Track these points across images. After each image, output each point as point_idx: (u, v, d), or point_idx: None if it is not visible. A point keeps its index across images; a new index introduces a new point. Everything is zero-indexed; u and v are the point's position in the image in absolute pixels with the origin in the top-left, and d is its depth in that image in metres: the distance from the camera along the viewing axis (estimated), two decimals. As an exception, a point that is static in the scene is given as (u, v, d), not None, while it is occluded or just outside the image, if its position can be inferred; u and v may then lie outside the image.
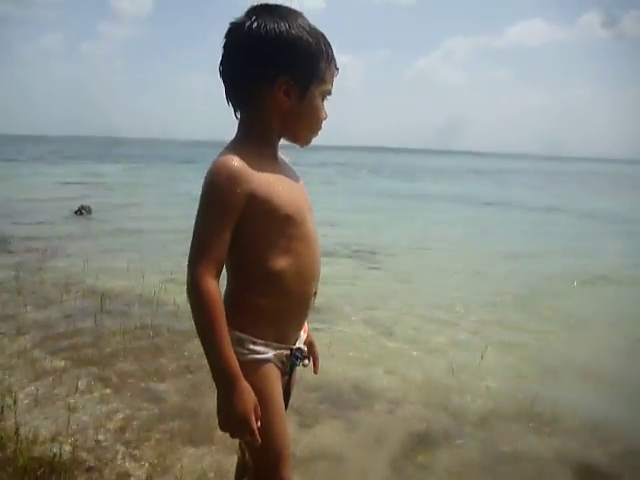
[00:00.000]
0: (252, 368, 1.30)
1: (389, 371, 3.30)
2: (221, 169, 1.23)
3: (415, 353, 3.62)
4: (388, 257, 6.94)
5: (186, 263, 1.21)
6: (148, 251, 6.62)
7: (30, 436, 2.26)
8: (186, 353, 3.40)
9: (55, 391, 2.75)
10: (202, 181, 1.24)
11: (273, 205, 1.26)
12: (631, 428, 2.75)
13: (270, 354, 1.33)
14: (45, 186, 14.65)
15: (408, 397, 2.96)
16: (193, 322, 1.20)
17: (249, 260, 1.30)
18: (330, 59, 1.35)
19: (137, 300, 4.44)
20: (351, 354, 3.54)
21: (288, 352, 1.38)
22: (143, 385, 2.93)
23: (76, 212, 9.61)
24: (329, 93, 1.38)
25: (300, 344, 1.43)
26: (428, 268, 6.52)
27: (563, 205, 14.48)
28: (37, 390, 2.73)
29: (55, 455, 2.10)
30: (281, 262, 1.30)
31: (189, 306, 1.19)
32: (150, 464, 2.19)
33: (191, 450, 2.29)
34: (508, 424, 2.72)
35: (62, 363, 3.11)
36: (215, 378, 1.23)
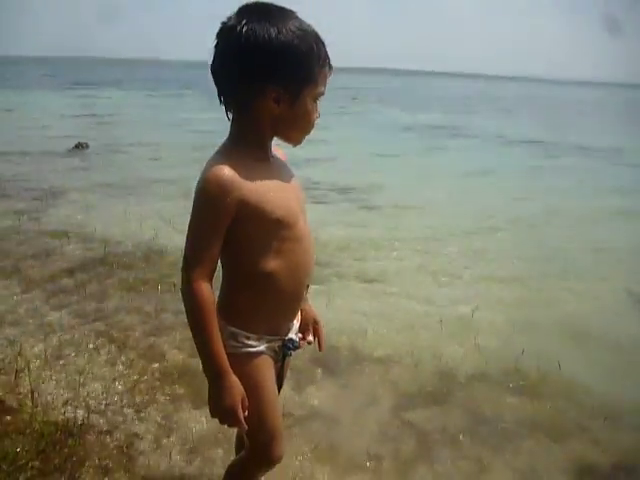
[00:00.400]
0: (246, 359, 1.43)
1: (382, 328, 3.44)
2: (212, 178, 1.29)
3: (409, 308, 3.76)
4: (384, 199, 6.96)
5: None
6: (145, 193, 6.69)
7: (44, 400, 2.42)
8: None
9: (65, 351, 2.89)
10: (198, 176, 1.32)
11: (264, 210, 1.33)
12: (614, 391, 2.87)
13: (262, 347, 1.46)
14: (40, 117, 14.41)
15: (399, 357, 3.11)
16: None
17: (243, 261, 1.39)
18: (322, 61, 1.36)
19: (137, 250, 4.55)
20: (346, 310, 3.66)
21: (280, 343, 1.50)
22: (147, 343, 3.07)
23: (73, 149, 9.55)
24: (322, 94, 1.40)
25: (292, 334, 1.55)
26: (427, 213, 6.55)
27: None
28: (47, 351, 2.88)
29: (69, 420, 2.27)
30: (273, 263, 1.39)
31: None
32: (158, 425, 2.36)
33: (195, 411, 2.45)
34: (492, 385, 2.88)
35: (69, 320, 3.25)
36: (205, 371, 1.35)
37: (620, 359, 3.26)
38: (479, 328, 3.47)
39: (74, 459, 1.99)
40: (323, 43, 1.36)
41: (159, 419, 2.40)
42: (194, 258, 1.31)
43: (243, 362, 1.42)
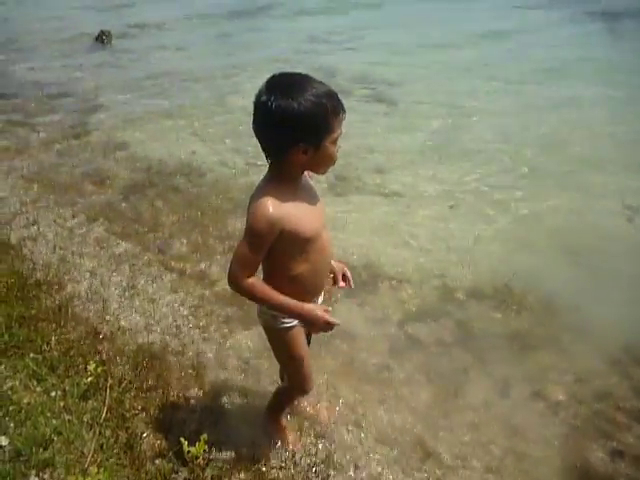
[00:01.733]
0: (285, 332, 2.05)
1: (396, 248, 4.00)
2: (260, 215, 1.79)
3: (421, 228, 4.25)
4: (410, 101, 7.03)
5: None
6: (176, 95, 7.01)
7: (128, 326, 3.13)
8: (229, 229, 4.15)
9: (136, 280, 3.56)
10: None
11: (298, 233, 1.86)
12: (593, 308, 3.30)
13: (295, 322, 2.04)
14: (53, 6, 13.74)
15: (408, 276, 3.71)
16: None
17: (279, 267, 1.95)
18: (337, 113, 1.79)
19: (179, 172, 5.05)
20: (364, 229, 4.21)
21: None
22: (200, 269, 3.72)
23: (97, 39, 9.63)
24: (339, 135, 1.85)
25: None
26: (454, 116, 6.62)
27: None
28: (121, 279, 3.56)
29: (151, 343, 2.99)
30: (302, 267, 1.95)
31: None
32: (217, 344, 3.06)
33: (246, 332, 3.14)
34: (484, 302, 3.47)
35: (132, 250, 3.89)
36: (292, 316, 1.96)
37: (604, 277, 3.65)
38: (481, 250, 3.98)
39: (162, 379, 2.72)
40: (335, 96, 1.77)
41: (218, 338, 3.10)
42: (241, 271, 1.84)
43: (283, 334, 2.04)
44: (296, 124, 1.70)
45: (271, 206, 1.77)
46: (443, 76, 7.93)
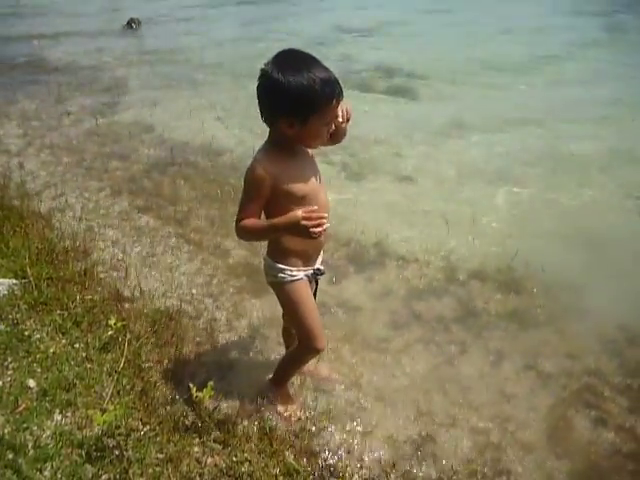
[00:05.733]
0: (292, 285, 2.24)
1: (405, 228, 4.14)
2: (253, 170, 2.04)
3: (430, 208, 4.42)
4: (427, 89, 7.20)
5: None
6: (201, 80, 7.24)
7: (148, 291, 3.35)
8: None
9: (155, 250, 3.79)
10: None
11: (292, 191, 2.07)
12: (591, 290, 3.42)
13: (301, 274, 2.24)
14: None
15: (415, 255, 3.85)
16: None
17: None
18: (330, 98, 1.97)
19: (200, 151, 5.28)
20: (375, 209, 4.37)
21: (312, 271, 2.29)
22: (215, 242, 3.93)
23: (126, 25, 9.91)
24: (331, 120, 2.03)
25: (318, 264, 2.33)
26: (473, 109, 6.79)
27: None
28: (142, 249, 3.79)
29: (168, 307, 3.19)
30: None
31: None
32: (228, 312, 3.26)
33: (255, 300, 3.33)
34: (486, 281, 3.60)
35: (153, 223, 4.12)
36: (282, 230, 2.03)
37: (606, 261, 3.76)
38: (487, 231, 4.13)
39: (176, 336, 2.92)
40: (331, 83, 1.95)
41: (230, 307, 3.30)
42: (240, 218, 2.07)
43: (290, 287, 2.23)
44: (284, 97, 1.91)
45: (263, 163, 2.02)
46: (468, 71, 8.00)
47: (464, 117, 6.29)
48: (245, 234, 2.12)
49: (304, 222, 1.94)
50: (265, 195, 2.05)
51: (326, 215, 1.98)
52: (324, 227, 1.95)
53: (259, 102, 2.02)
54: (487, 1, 12.29)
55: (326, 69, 1.95)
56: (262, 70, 1.96)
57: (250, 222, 2.06)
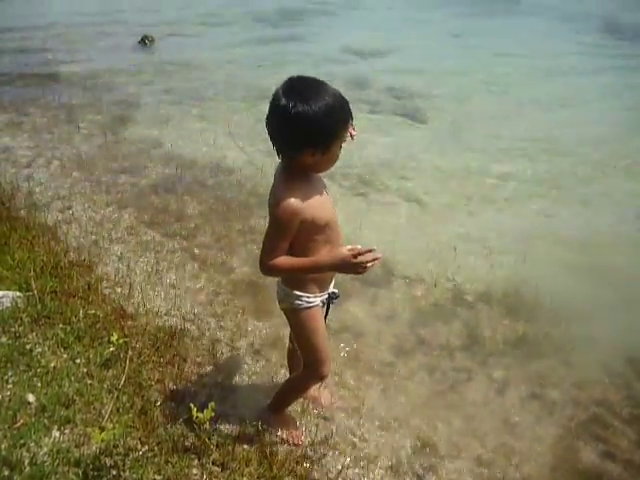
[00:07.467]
0: (307, 312, 2.21)
1: (411, 249, 4.11)
2: (284, 208, 1.96)
3: (437, 230, 4.40)
4: (434, 111, 7.21)
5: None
6: (212, 98, 7.29)
7: (151, 308, 3.32)
8: (252, 223, 4.34)
9: (160, 266, 3.77)
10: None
11: (317, 221, 2.05)
12: (598, 320, 3.40)
13: (317, 300, 2.22)
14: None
15: (422, 276, 3.83)
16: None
17: (301, 250, 2.09)
18: (347, 121, 1.99)
19: (208, 169, 5.28)
20: (383, 229, 4.34)
21: (326, 296, 2.27)
22: (221, 260, 3.92)
23: (140, 42, 10.02)
24: (345, 140, 2.03)
25: (332, 288, 2.30)
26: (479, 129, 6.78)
27: None
28: (147, 266, 3.77)
29: (171, 325, 3.16)
30: (323, 250, 2.10)
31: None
32: (231, 332, 3.22)
33: (258, 323, 3.30)
34: (493, 306, 3.58)
35: (159, 238, 4.10)
36: (325, 268, 2.05)
37: (616, 290, 3.74)
38: (495, 254, 4.10)
39: (178, 356, 2.90)
40: (346, 105, 1.96)
41: (232, 327, 3.26)
42: (268, 257, 2.01)
43: (306, 314, 2.20)
44: (310, 131, 1.89)
45: (293, 199, 1.95)
46: (477, 92, 8.04)
47: (473, 140, 6.30)
48: (277, 273, 2.10)
49: (360, 259, 1.95)
50: (294, 231, 2.01)
51: (375, 248, 1.98)
52: (379, 260, 1.98)
53: (277, 139, 1.97)
54: (516, 32, 12.31)
55: (335, 91, 1.94)
56: (278, 106, 1.88)
57: (283, 261, 2.01)
